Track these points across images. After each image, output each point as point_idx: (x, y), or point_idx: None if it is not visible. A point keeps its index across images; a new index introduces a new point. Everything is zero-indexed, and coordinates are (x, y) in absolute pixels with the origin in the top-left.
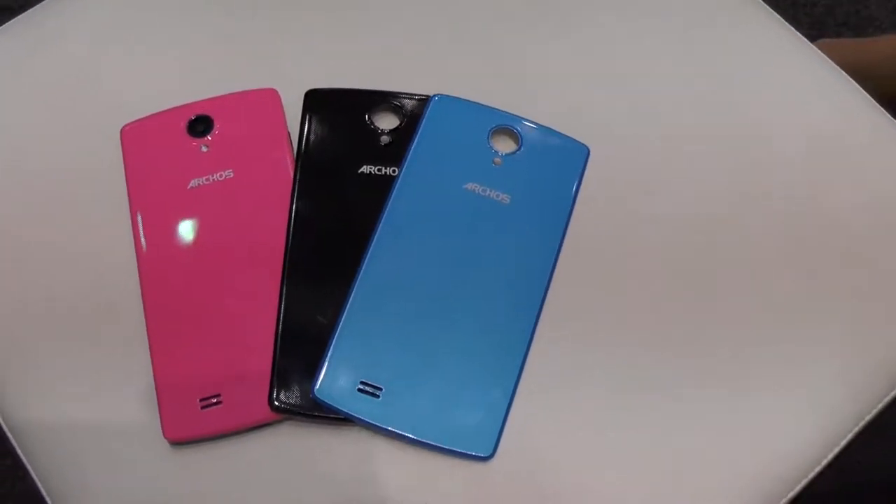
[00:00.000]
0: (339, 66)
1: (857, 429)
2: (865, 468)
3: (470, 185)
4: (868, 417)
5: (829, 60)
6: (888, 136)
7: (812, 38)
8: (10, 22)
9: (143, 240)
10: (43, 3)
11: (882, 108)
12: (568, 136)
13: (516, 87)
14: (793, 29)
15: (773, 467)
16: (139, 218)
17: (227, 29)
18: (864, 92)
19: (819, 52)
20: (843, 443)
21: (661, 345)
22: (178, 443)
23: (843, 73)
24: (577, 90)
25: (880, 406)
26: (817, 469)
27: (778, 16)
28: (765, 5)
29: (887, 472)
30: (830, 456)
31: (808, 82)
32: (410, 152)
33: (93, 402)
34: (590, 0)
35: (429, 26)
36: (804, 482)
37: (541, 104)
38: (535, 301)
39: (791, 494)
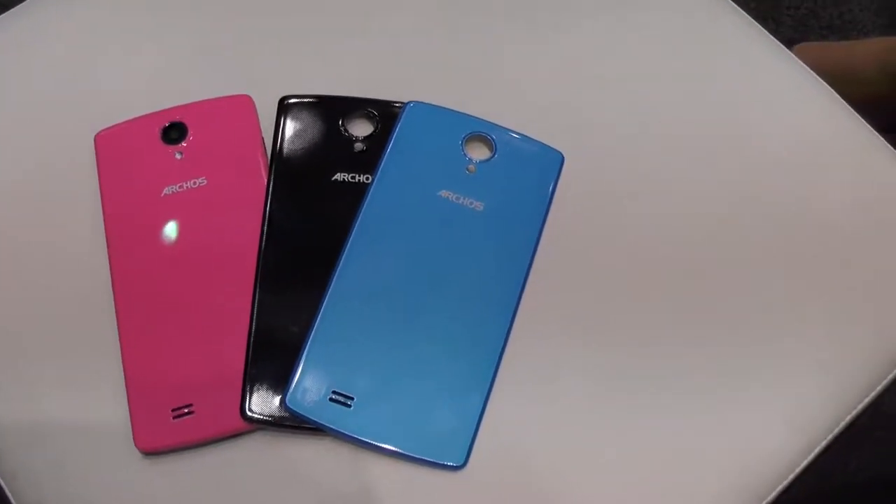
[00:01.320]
0: (313, 73)
1: (837, 429)
2: (848, 471)
3: (444, 193)
4: (848, 418)
5: (803, 64)
6: (861, 140)
7: (795, 41)
8: None
9: (115, 247)
10: (15, 8)
11: (855, 112)
12: (542, 143)
13: (491, 93)
14: (767, 33)
15: (755, 467)
16: (112, 225)
17: (202, 34)
18: (836, 95)
19: (793, 55)
20: (824, 443)
21: (637, 347)
22: (150, 453)
23: (818, 76)
24: (551, 96)
25: (860, 407)
26: (798, 469)
27: (753, 20)
28: (740, 10)
29: (869, 475)
30: (811, 456)
31: (783, 86)
32: (384, 159)
33: (64, 409)
34: (565, 5)
35: (403, 32)
36: (785, 483)
37: (515, 110)
38: (508, 308)
39: (772, 495)
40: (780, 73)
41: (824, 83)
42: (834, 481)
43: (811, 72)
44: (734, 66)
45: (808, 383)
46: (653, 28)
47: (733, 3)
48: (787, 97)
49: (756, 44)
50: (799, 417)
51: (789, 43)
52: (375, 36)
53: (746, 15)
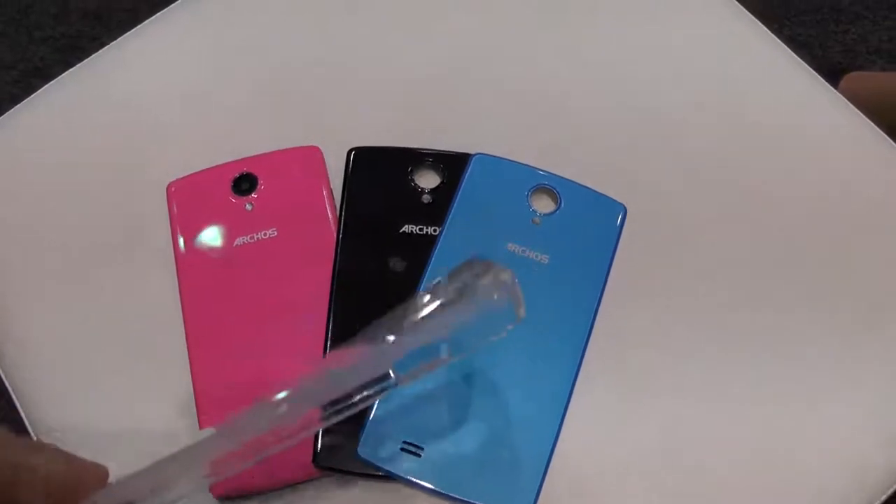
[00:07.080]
0: (379, 122)
1: None
2: None
3: (510, 246)
4: None
5: (844, 99)
6: None
7: (844, 66)
8: (66, 74)
9: (188, 296)
10: (88, 59)
11: None
12: (605, 195)
13: (549, 140)
14: (810, 69)
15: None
16: (185, 275)
17: (271, 85)
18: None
19: (839, 95)
20: None
21: (706, 399)
22: (224, 498)
23: (864, 116)
24: (608, 143)
25: None
26: None
27: (793, 54)
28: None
29: None
30: None
31: (835, 125)
32: (451, 212)
33: (140, 456)
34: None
35: (463, 84)
36: None
37: (575, 158)
38: (573, 360)
39: None
40: (831, 116)
41: (869, 120)
42: None
43: (855, 109)
44: (786, 109)
45: None
46: (703, 73)
47: (776, 38)
48: (836, 137)
49: (802, 81)
50: None
51: (837, 67)
52: (437, 87)
53: (792, 53)
